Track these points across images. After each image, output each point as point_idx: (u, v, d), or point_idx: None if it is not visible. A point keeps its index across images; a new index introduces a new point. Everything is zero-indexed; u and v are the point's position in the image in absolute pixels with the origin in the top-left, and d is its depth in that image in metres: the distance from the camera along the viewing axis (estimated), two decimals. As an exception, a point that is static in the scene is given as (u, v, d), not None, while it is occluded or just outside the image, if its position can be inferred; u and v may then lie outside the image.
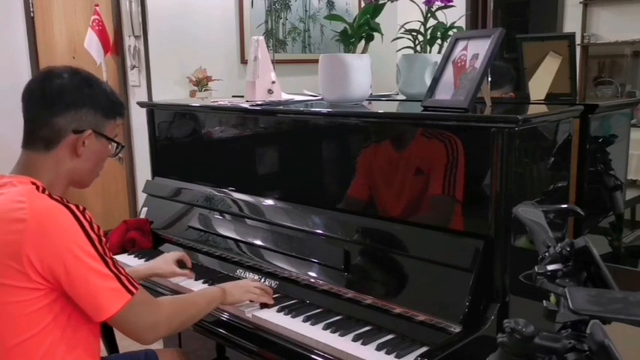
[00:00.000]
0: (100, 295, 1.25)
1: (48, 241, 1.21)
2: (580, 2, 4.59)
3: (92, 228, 1.26)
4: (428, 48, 1.92)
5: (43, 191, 1.28)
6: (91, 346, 1.36)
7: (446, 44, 1.77)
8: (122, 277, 1.28)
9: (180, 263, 1.87)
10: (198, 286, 1.79)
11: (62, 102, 1.32)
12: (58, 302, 1.26)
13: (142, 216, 2.26)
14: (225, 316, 1.62)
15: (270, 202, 1.89)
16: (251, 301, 1.60)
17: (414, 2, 1.90)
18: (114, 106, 1.42)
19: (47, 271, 1.22)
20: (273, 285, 1.72)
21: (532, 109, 1.74)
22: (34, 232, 1.21)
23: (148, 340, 1.35)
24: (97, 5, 3.30)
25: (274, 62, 2.47)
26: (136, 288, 1.29)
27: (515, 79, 2.38)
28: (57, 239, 1.22)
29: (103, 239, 1.28)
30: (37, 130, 1.33)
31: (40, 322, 1.25)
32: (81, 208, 1.27)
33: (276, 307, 1.59)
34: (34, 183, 1.29)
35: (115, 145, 1.44)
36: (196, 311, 1.47)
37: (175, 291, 1.81)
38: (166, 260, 1.84)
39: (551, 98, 1.85)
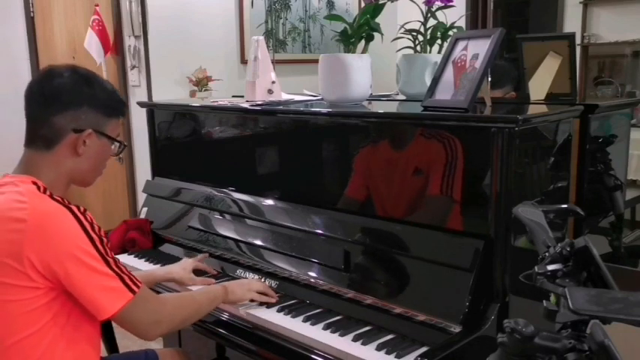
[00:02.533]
0: (102, 295, 1.25)
1: (49, 242, 1.21)
2: (580, 2, 4.59)
3: (93, 229, 1.26)
4: (428, 48, 1.92)
5: (45, 191, 1.28)
6: (91, 343, 1.36)
7: (446, 44, 1.77)
8: (124, 276, 1.28)
9: (198, 271, 1.82)
10: (198, 285, 1.79)
11: (60, 101, 1.32)
12: (58, 300, 1.27)
13: (142, 216, 2.26)
14: (225, 316, 1.62)
15: (270, 202, 1.89)
16: (252, 300, 1.60)
17: (414, 2, 1.90)
18: (115, 105, 1.41)
19: (48, 272, 1.22)
20: (273, 285, 1.72)
21: (532, 109, 1.74)
22: (34, 234, 1.21)
23: (152, 336, 1.37)
24: (97, 5, 3.30)
25: (274, 62, 2.47)
26: (138, 286, 1.30)
27: (517, 79, 2.38)
28: (58, 241, 1.22)
29: (104, 239, 1.28)
30: (37, 130, 1.33)
31: (39, 320, 1.26)
32: (82, 209, 1.27)
33: (276, 307, 1.59)
34: (35, 183, 1.29)
35: (117, 144, 1.43)
36: (197, 308, 1.48)
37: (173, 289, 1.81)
38: (184, 267, 1.79)
39: (551, 98, 1.85)
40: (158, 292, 1.78)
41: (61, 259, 1.22)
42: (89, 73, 1.39)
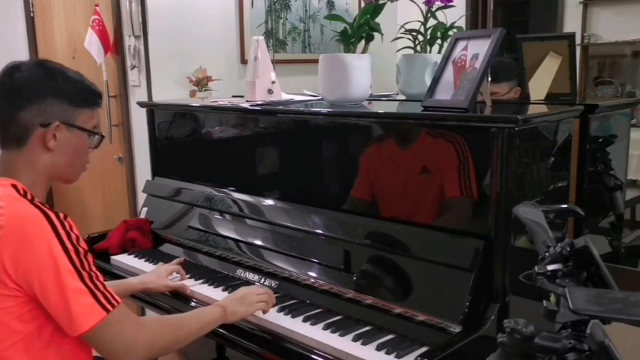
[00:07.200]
0: (72, 311, 1.18)
1: (23, 248, 1.17)
2: (580, 2, 4.58)
3: (70, 238, 1.20)
4: (428, 48, 1.92)
5: (25, 194, 1.23)
6: (82, 355, 1.31)
7: (446, 44, 1.77)
8: (98, 293, 1.20)
9: (174, 274, 1.81)
10: (198, 285, 1.79)
11: (22, 96, 1.26)
12: (41, 310, 1.22)
13: (142, 216, 2.26)
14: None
15: (270, 202, 1.89)
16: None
17: (414, 2, 1.90)
18: (83, 95, 1.33)
19: (21, 279, 1.18)
20: (273, 285, 1.72)
21: (532, 109, 1.74)
22: (10, 239, 1.17)
23: None
24: (97, 5, 3.29)
25: (274, 62, 2.47)
26: (113, 305, 1.21)
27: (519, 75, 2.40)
28: (31, 248, 1.17)
29: (81, 250, 1.21)
30: (6, 129, 1.28)
31: (23, 328, 1.21)
32: (62, 216, 1.21)
33: (276, 307, 1.59)
34: (14, 185, 1.24)
35: (95, 136, 1.36)
36: (186, 334, 1.37)
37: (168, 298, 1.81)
38: (159, 274, 1.77)
39: (551, 98, 1.85)
40: (156, 306, 1.77)
41: (33, 267, 1.17)
42: (55, 65, 1.33)
